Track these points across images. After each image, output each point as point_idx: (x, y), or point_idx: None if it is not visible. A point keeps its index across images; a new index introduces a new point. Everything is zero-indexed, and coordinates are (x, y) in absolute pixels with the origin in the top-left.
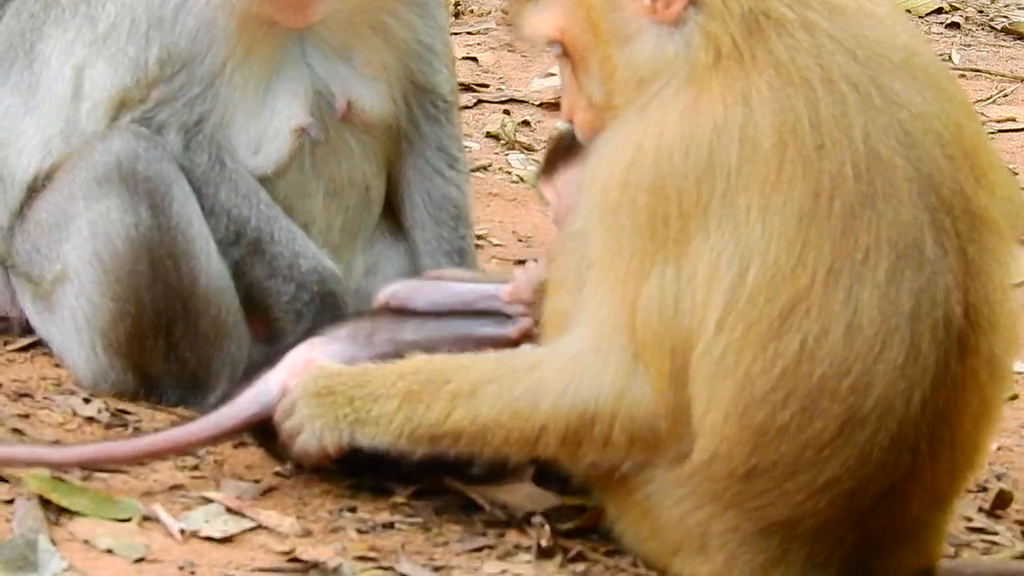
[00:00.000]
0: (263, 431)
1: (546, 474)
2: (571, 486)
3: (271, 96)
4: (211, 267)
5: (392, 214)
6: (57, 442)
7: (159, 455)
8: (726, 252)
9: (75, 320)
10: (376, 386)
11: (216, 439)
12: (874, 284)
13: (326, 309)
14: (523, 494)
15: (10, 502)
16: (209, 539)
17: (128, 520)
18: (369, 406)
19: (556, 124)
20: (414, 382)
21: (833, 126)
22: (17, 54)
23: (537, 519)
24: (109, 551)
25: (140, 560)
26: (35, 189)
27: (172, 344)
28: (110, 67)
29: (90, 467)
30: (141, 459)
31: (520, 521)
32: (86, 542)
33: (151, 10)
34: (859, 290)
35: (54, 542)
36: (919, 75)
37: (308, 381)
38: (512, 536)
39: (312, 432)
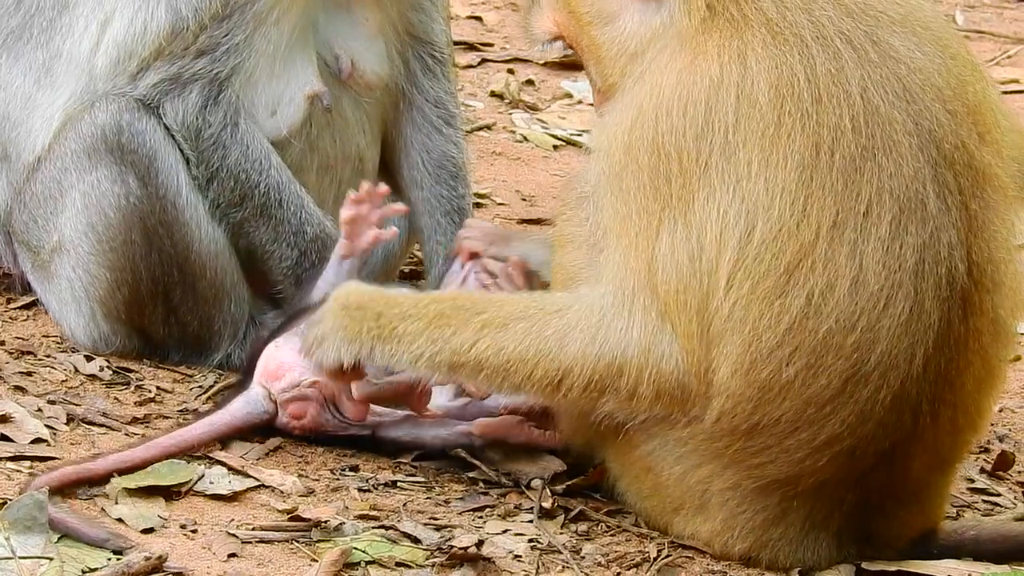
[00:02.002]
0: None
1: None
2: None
3: (291, 58)
4: (203, 232)
5: (390, 175)
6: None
7: (161, 458)
8: (732, 208)
9: (73, 290)
10: (407, 307)
11: (211, 441)
12: (878, 238)
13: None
14: (526, 460)
15: (15, 458)
16: (212, 497)
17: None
18: (396, 323)
19: (561, 84)
20: (447, 307)
21: (830, 81)
22: (32, 32)
23: (538, 482)
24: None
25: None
26: (36, 162)
27: (171, 308)
28: (160, 12)
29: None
30: (147, 462)
31: (522, 484)
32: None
33: None
34: (863, 244)
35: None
36: (919, 31)
37: (342, 294)
38: (514, 497)
39: (332, 343)
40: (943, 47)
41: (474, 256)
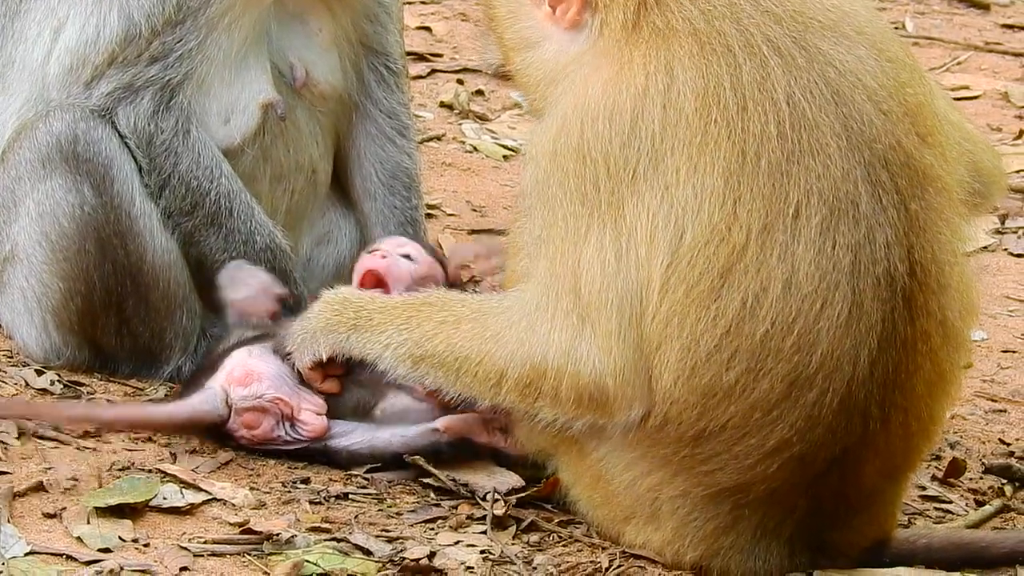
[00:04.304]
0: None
1: (503, 460)
2: (528, 464)
3: (244, 66)
4: (156, 243)
5: (342, 185)
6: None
7: (113, 427)
8: (660, 213)
9: (26, 300)
10: (387, 303)
11: (165, 428)
12: (808, 239)
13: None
14: (483, 473)
15: None
16: (165, 511)
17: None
18: (371, 315)
19: (510, 94)
20: (419, 303)
21: (755, 88)
22: None
23: (490, 495)
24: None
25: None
26: None
27: (124, 319)
28: (112, 18)
29: (50, 423)
30: (96, 426)
31: (477, 495)
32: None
33: None
34: (794, 246)
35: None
36: (851, 35)
37: (331, 293)
38: (465, 508)
39: (313, 334)
40: (879, 51)
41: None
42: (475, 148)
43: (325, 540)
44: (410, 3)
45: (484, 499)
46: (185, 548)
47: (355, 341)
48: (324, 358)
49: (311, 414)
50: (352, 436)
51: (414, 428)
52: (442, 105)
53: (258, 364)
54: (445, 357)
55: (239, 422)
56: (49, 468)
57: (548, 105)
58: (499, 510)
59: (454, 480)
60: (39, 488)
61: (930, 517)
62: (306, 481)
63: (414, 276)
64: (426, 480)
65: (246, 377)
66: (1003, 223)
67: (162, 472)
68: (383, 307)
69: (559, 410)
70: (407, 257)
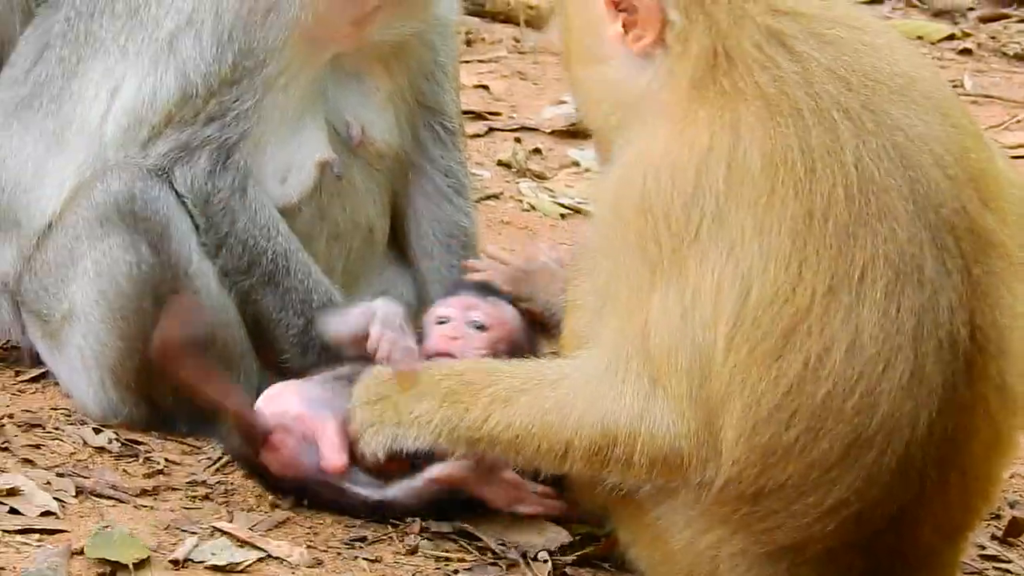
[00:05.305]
0: (257, 471)
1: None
2: (583, 513)
3: (301, 125)
4: (213, 301)
5: (399, 244)
6: None
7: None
8: (726, 272)
9: (83, 358)
10: (421, 386)
11: (229, 410)
12: (873, 302)
13: (333, 346)
14: (533, 531)
15: (23, 531)
16: (217, 568)
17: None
18: (412, 407)
19: (568, 152)
20: (457, 382)
21: (824, 151)
22: (42, 101)
23: (543, 554)
24: None
25: None
26: (47, 230)
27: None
28: (169, 78)
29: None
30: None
31: (529, 556)
32: None
33: (237, 10)
34: (859, 308)
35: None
36: (919, 100)
37: (362, 389)
38: (521, 568)
39: (367, 438)
40: (944, 115)
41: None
42: (532, 206)
43: None
44: (467, 62)
45: (536, 559)
46: None
47: (404, 438)
48: (382, 458)
49: (333, 445)
50: (361, 487)
51: (418, 478)
52: (500, 164)
53: (291, 386)
54: (502, 436)
55: (268, 447)
56: (106, 526)
57: (615, 144)
58: (551, 570)
59: (502, 542)
60: None
61: None
62: (363, 540)
63: (490, 344)
64: (480, 543)
65: (277, 395)
66: None
67: (217, 530)
68: (420, 393)
69: (630, 475)
70: (479, 327)
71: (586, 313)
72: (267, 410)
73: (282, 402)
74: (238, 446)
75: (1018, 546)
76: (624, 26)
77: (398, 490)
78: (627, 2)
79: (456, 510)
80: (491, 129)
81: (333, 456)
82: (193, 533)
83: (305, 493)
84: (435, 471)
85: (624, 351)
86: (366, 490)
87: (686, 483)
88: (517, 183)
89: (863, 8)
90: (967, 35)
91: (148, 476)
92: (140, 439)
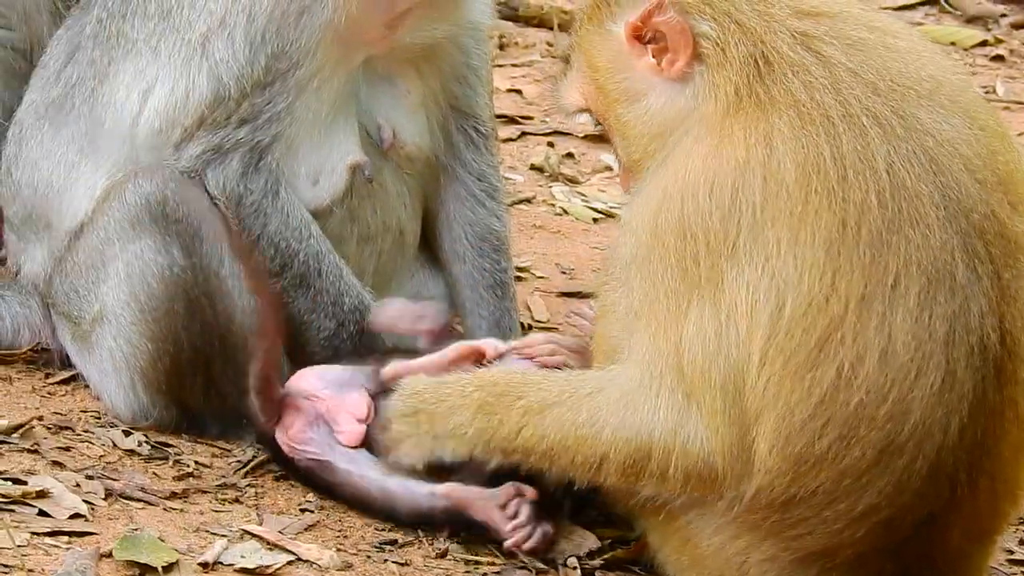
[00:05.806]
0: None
1: (586, 500)
2: (612, 516)
3: (333, 128)
4: (244, 304)
5: (430, 247)
6: None
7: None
8: (761, 286)
9: (114, 360)
10: (453, 399)
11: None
12: (906, 310)
13: (363, 347)
14: (562, 535)
15: (53, 534)
16: (244, 571)
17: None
18: (446, 420)
19: (600, 157)
20: (489, 393)
21: (856, 158)
22: (74, 102)
23: (572, 560)
24: None
25: None
26: (78, 231)
27: (211, 380)
28: (202, 80)
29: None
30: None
31: (558, 561)
32: None
33: (270, 13)
34: (892, 316)
35: None
36: (947, 104)
37: (397, 401)
38: (551, 573)
39: (402, 450)
40: (972, 119)
41: None
42: (565, 211)
43: None
44: (500, 66)
45: (565, 564)
46: None
47: (440, 450)
48: (420, 469)
49: (349, 418)
50: (365, 470)
51: (420, 487)
52: (532, 168)
53: (311, 370)
54: (537, 448)
55: (280, 423)
56: (135, 529)
57: (651, 164)
58: (580, 574)
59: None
60: None
61: None
62: (393, 543)
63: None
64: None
65: (299, 377)
66: None
67: (247, 532)
68: (455, 406)
69: (665, 488)
70: None
71: (618, 319)
72: (289, 389)
73: (303, 383)
74: (256, 414)
75: None
76: (654, 55)
77: (402, 490)
78: (651, 31)
79: (454, 527)
80: (524, 133)
81: (349, 428)
82: (222, 536)
83: (312, 476)
84: (442, 488)
85: (658, 366)
86: (360, 471)
87: (719, 498)
88: (550, 187)
89: (895, 13)
90: (1000, 41)
91: (178, 479)
92: (170, 441)
